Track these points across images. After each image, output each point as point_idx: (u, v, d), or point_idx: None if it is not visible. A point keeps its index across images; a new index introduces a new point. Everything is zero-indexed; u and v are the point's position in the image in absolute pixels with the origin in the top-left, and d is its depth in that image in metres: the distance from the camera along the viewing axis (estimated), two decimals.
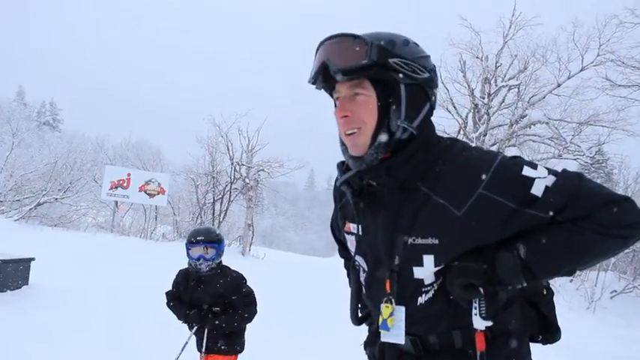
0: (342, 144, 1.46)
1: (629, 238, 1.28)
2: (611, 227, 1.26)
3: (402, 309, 1.41)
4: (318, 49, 1.40)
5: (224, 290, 3.66)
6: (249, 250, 24.67)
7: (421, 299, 1.42)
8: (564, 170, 1.36)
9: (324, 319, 8.73)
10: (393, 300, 1.41)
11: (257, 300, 3.77)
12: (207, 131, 27.55)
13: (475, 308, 1.36)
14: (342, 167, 1.54)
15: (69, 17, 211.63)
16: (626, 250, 16.34)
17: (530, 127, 19.80)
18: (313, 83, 1.41)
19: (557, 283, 13.13)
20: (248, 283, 3.81)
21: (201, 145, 27.12)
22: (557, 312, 1.56)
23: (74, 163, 24.17)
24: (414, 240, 1.38)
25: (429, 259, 1.37)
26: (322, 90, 1.49)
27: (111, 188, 23.16)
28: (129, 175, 23.88)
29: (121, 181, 23.37)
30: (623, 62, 15.46)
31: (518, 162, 1.35)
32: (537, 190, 1.29)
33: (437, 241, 1.35)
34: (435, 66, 1.45)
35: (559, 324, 1.52)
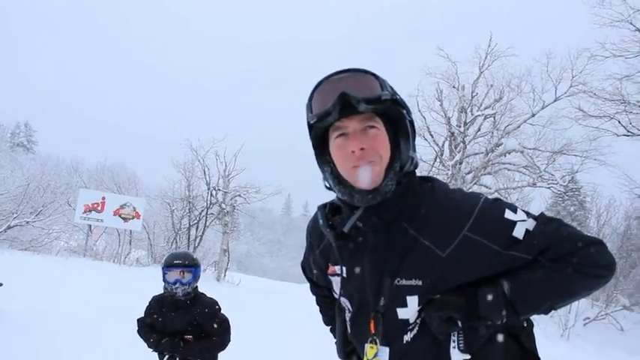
0: (340, 183, 1.41)
1: (604, 277, 1.37)
2: (589, 267, 1.34)
3: (386, 350, 1.42)
4: (318, 86, 1.39)
5: (198, 317, 3.60)
6: (225, 275, 24.46)
7: (407, 337, 1.42)
8: (542, 214, 1.42)
9: (299, 347, 8.64)
10: (377, 340, 1.41)
11: (231, 327, 3.72)
12: (183, 155, 27.43)
13: (454, 341, 1.36)
14: (325, 210, 1.54)
15: (45, 38, 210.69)
16: None
17: (505, 156, 20.16)
18: (327, 116, 1.34)
19: None
20: (222, 311, 3.76)
21: (178, 170, 27.01)
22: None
23: (47, 186, 23.83)
24: (398, 281, 1.39)
25: (412, 300, 1.38)
26: (311, 132, 1.43)
27: (85, 212, 22.86)
28: (103, 198, 23.63)
29: (95, 205, 23.10)
30: (594, 94, 15.83)
31: (499, 205, 1.40)
32: (519, 232, 1.35)
33: (420, 283, 1.37)
34: None
35: (538, 354, 1.52)
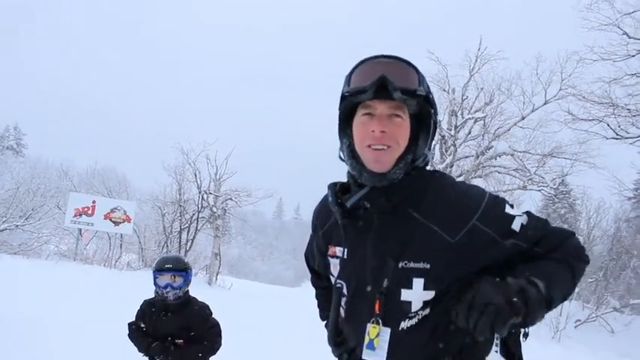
0: (353, 157, 1.49)
1: (588, 262, 1.54)
2: (581, 254, 1.51)
3: (388, 330, 1.46)
4: (362, 63, 1.47)
5: (188, 321, 3.59)
6: (216, 279, 24.39)
7: (404, 324, 1.46)
8: (530, 212, 1.54)
9: (290, 351, 8.62)
10: (380, 321, 1.46)
11: (222, 332, 3.71)
12: (174, 159, 27.32)
13: (497, 345, 1.45)
14: (335, 188, 1.59)
15: (34, 40, 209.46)
16: (589, 280, 16.69)
17: (495, 159, 20.22)
18: (361, 93, 1.42)
19: None
20: (214, 315, 3.74)
21: (169, 173, 26.89)
22: (523, 341, 1.60)
23: (37, 189, 23.72)
24: (405, 264, 1.44)
25: (418, 282, 1.43)
26: (342, 103, 1.50)
27: (75, 215, 22.71)
28: (94, 202, 23.51)
29: (86, 209, 22.96)
30: (583, 97, 15.88)
31: (501, 201, 1.51)
32: (516, 226, 1.46)
33: (428, 266, 1.42)
34: None
35: (524, 355, 1.58)
